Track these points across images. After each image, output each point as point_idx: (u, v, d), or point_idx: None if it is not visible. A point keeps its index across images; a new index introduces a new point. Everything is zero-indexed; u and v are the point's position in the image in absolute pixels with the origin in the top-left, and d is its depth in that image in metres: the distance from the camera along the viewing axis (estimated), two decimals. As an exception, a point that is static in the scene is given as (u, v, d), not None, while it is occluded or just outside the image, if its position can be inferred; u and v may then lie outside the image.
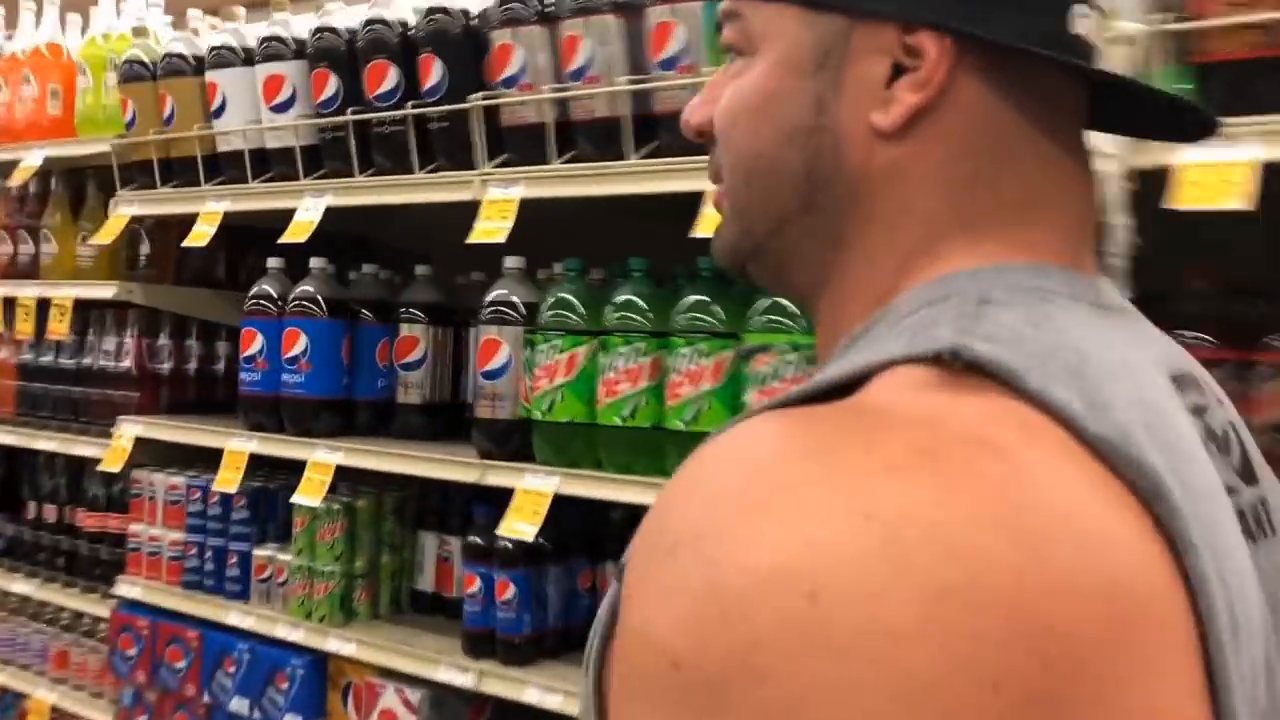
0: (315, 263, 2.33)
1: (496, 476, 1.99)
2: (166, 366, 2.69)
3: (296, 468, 2.31)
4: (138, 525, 2.58)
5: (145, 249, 2.70)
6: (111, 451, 2.56)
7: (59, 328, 2.67)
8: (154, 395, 2.67)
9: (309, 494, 2.19)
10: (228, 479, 2.33)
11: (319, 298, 2.30)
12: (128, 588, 2.58)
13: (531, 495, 1.93)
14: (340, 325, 2.31)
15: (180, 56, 2.45)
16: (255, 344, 2.34)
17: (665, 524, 0.52)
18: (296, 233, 2.19)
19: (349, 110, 2.16)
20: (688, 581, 0.48)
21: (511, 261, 2.06)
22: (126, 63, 2.54)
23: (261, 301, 2.36)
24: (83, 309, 2.72)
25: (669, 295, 1.89)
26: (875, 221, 0.65)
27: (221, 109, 2.37)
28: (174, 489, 2.52)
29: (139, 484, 2.59)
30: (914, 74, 0.63)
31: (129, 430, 2.56)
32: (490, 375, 2.02)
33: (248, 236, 2.69)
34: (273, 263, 2.40)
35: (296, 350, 2.28)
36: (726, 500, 0.50)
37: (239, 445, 2.35)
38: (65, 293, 2.69)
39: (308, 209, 2.22)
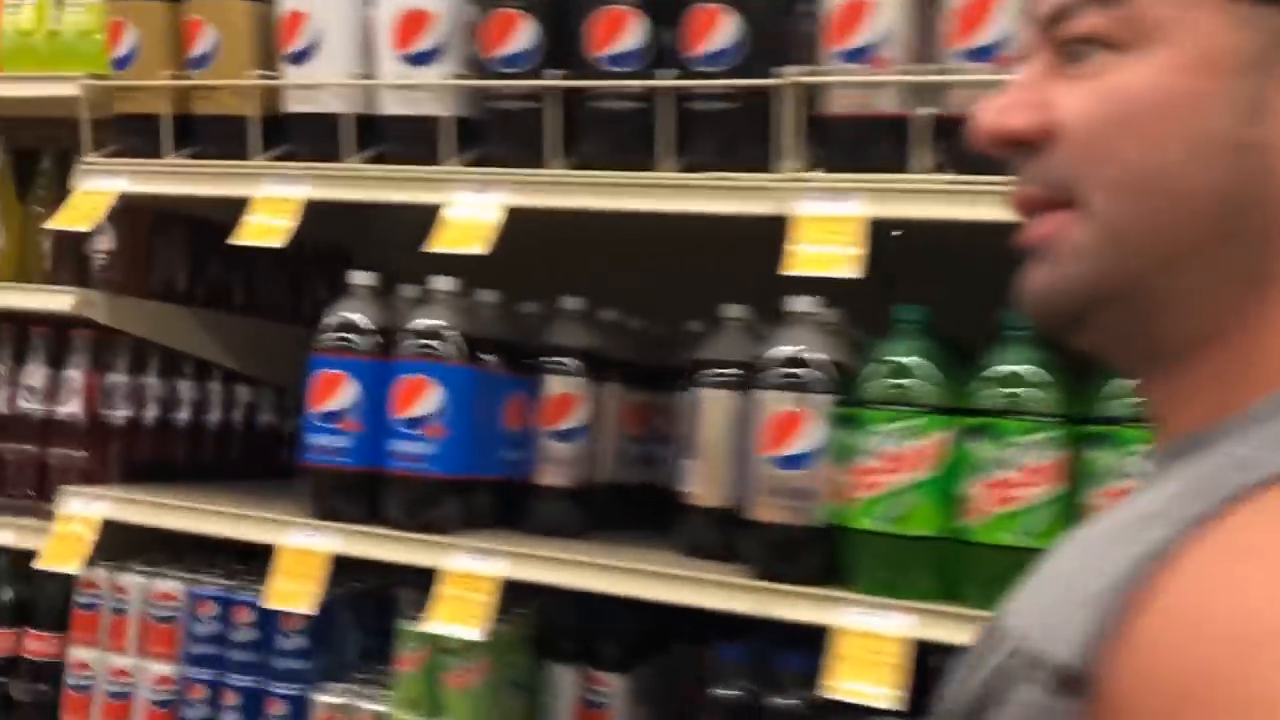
0: (441, 282, 1.64)
1: (799, 607, 1.40)
2: (123, 415, 1.86)
3: (353, 568, 1.62)
4: (86, 652, 1.74)
5: (107, 245, 1.87)
6: (58, 541, 1.71)
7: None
8: (104, 456, 1.84)
9: (457, 620, 1.49)
10: (297, 593, 1.57)
11: (460, 335, 1.60)
12: (64, 745, 1.73)
13: (870, 639, 1.35)
14: (482, 375, 1.63)
15: (231, -30, 1.69)
16: (343, 395, 1.61)
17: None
18: (463, 238, 1.50)
19: (546, 74, 1.52)
20: None
21: (803, 303, 1.48)
22: (128, -29, 1.73)
23: (356, 336, 1.63)
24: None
25: (1052, 361, 1.39)
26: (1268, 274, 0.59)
27: (307, 53, 1.63)
28: (164, 599, 1.71)
29: (93, 589, 1.75)
30: None
31: (88, 509, 1.72)
32: (789, 463, 1.43)
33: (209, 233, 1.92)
34: (361, 278, 1.68)
35: (425, 409, 1.58)
36: None
37: (309, 542, 1.59)
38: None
39: (464, 206, 1.53)
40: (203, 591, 1.69)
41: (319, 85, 1.63)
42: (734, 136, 1.46)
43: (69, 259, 1.89)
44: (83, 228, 1.71)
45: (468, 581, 1.52)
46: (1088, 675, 0.53)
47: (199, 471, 1.93)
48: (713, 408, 1.55)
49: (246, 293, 2.07)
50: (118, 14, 1.74)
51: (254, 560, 1.74)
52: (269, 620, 1.65)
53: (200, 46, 1.69)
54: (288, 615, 1.63)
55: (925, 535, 1.37)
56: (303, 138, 1.66)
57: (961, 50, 1.36)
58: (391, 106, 1.61)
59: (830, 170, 1.42)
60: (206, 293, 2.00)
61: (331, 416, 1.61)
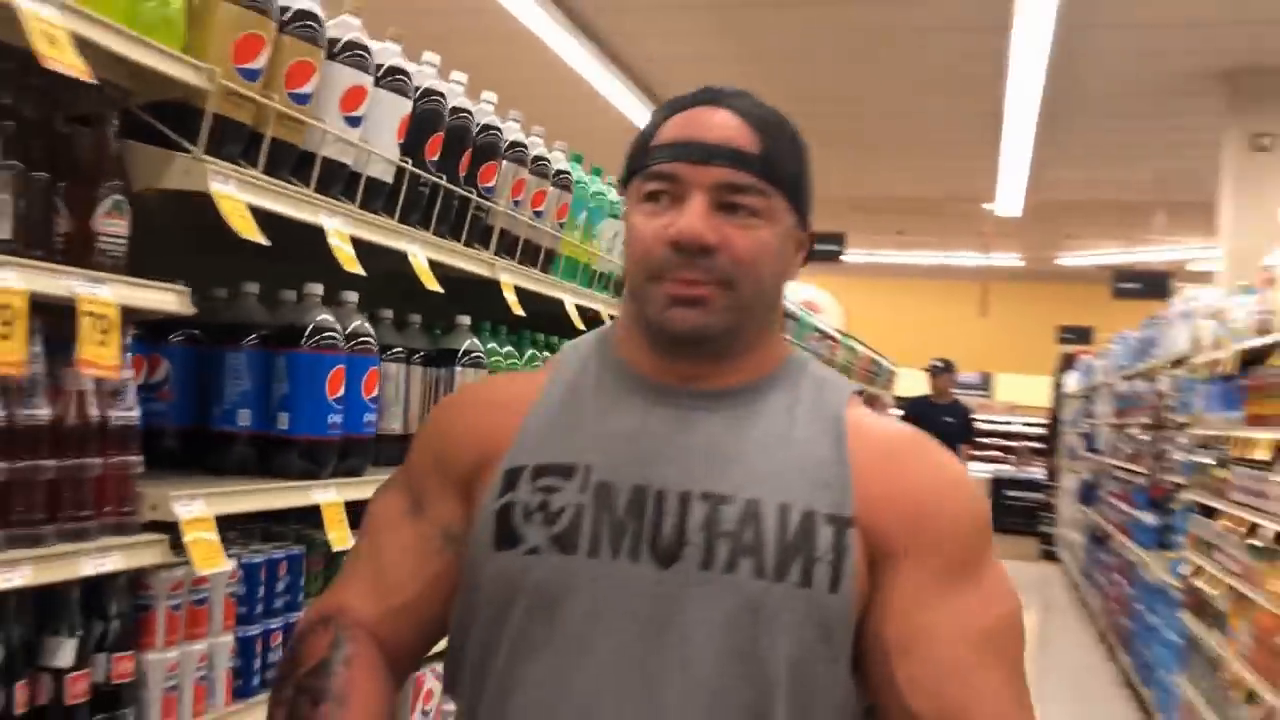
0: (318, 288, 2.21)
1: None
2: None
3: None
4: (157, 654, 1.72)
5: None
6: (202, 547, 1.68)
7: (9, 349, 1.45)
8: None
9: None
10: (346, 537, 2.06)
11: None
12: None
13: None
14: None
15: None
16: (343, 384, 2.11)
17: (962, 478, 1.28)
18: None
19: (434, 171, 2.36)
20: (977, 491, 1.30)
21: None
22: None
23: (339, 336, 2.12)
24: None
25: None
26: (776, 323, 1.31)
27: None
28: (233, 578, 1.84)
29: (178, 590, 1.73)
30: (801, 253, 1.30)
31: (198, 510, 1.72)
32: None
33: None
34: (318, 289, 2.10)
35: (376, 389, 2.23)
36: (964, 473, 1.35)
37: (336, 496, 2.08)
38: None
39: (409, 253, 2.26)
40: (259, 559, 1.92)
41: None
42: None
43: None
44: (258, 239, 1.68)
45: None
46: (854, 516, 1.20)
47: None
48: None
49: None
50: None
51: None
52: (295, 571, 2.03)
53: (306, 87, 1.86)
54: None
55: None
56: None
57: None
58: (374, 170, 2.16)
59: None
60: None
61: (339, 400, 2.10)
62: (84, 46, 1.44)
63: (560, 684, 1.17)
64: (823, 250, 11.03)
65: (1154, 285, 11.81)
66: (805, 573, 1.16)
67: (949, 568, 1.20)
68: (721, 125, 1.23)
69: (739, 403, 1.26)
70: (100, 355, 1.50)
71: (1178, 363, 6.67)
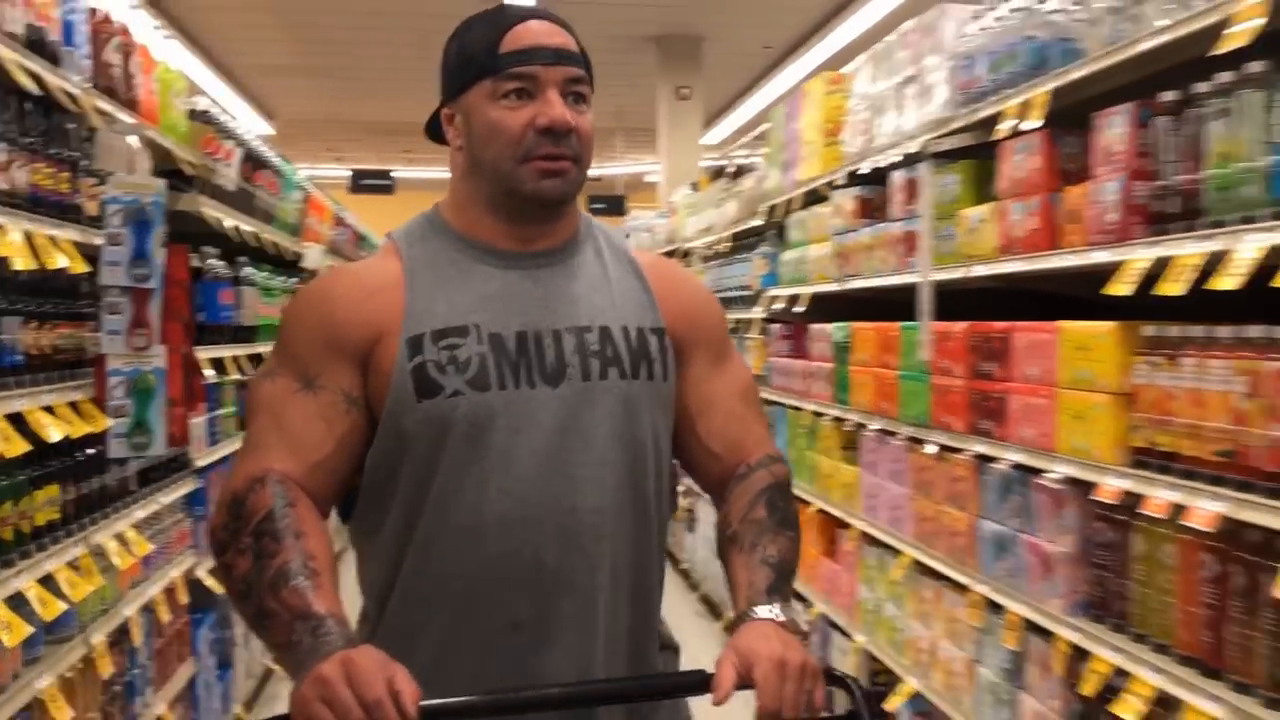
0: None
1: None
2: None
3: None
4: (193, 419, 3.82)
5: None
6: (211, 372, 3.79)
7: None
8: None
9: (252, 368, 4.42)
10: (238, 370, 4.19)
11: (228, 271, 4.33)
12: (194, 463, 3.82)
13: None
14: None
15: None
16: (232, 299, 4.20)
17: (707, 288, 1.74)
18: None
19: (245, 181, 4.45)
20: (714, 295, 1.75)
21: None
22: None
23: (225, 270, 4.20)
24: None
25: None
26: None
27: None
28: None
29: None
30: None
31: (204, 355, 3.82)
32: (259, 306, 4.79)
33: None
34: (211, 250, 4.17)
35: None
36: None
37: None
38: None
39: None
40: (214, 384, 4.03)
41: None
42: None
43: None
44: (222, 231, 3.75)
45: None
46: (664, 326, 1.53)
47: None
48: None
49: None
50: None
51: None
52: (217, 394, 4.14)
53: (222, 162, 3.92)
54: (220, 383, 4.16)
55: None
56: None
57: (273, 190, 4.93)
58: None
59: None
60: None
61: (228, 305, 4.18)
62: (163, 150, 3.48)
63: (497, 484, 1.42)
64: (378, 185, 13.18)
65: (614, 204, 15.24)
66: (649, 370, 1.51)
67: (717, 352, 1.61)
68: (553, 33, 1.48)
69: (566, 257, 1.53)
70: (190, 286, 3.60)
71: (630, 259, 9.70)
